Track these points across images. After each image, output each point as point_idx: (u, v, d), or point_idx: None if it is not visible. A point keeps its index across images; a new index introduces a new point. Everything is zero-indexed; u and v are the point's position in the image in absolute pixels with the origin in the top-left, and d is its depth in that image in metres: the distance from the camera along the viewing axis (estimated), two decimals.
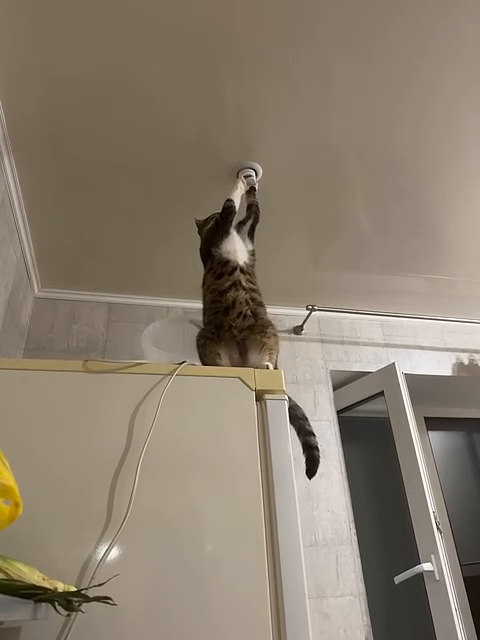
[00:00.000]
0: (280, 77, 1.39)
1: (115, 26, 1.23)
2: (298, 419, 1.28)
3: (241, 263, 1.39)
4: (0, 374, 0.94)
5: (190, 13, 1.21)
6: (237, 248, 1.43)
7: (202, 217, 1.61)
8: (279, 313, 2.44)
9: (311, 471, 1.24)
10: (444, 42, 1.32)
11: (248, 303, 1.30)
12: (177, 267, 2.11)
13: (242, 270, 1.37)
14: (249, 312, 1.28)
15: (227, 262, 1.39)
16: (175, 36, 1.26)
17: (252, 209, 1.60)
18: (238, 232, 1.50)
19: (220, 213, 1.50)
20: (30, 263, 2.02)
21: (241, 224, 1.54)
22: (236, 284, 1.33)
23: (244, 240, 1.50)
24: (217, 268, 1.39)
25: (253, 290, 1.35)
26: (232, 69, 1.36)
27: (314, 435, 1.28)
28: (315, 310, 2.36)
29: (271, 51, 1.32)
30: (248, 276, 1.38)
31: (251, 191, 1.64)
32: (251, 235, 1.55)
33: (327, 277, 2.32)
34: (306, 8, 1.22)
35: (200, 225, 1.60)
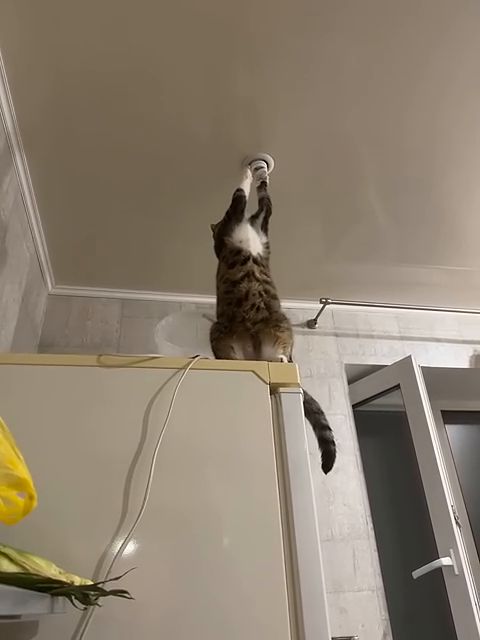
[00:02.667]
0: (292, 67, 1.37)
1: (125, 17, 1.22)
2: (314, 413, 1.27)
3: (254, 254, 1.38)
4: (15, 369, 0.95)
5: (201, 3, 1.20)
6: (250, 238, 1.42)
7: (216, 222, 1.60)
8: (292, 307, 2.42)
9: (327, 466, 1.22)
10: (459, 31, 1.30)
11: (261, 295, 1.29)
12: (190, 262, 2.11)
13: (255, 261, 1.36)
14: (262, 304, 1.27)
15: (239, 251, 1.38)
16: (185, 27, 1.25)
17: (263, 202, 1.58)
18: (252, 225, 1.48)
19: (231, 203, 1.50)
20: (43, 260, 2.03)
21: (254, 218, 1.53)
22: (249, 275, 1.31)
23: (257, 232, 1.48)
24: (229, 257, 1.38)
25: (267, 282, 1.34)
26: (243, 60, 1.34)
27: (330, 429, 1.26)
28: (329, 303, 2.34)
29: (283, 41, 1.30)
30: (262, 268, 1.36)
31: (262, 185, 1.62)
32: (265, 228, 1.53)
33: (341, 270, 2.29)
34: None
35: (214, 228, 1.59)
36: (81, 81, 1.37)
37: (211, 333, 1.28)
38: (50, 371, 0.97)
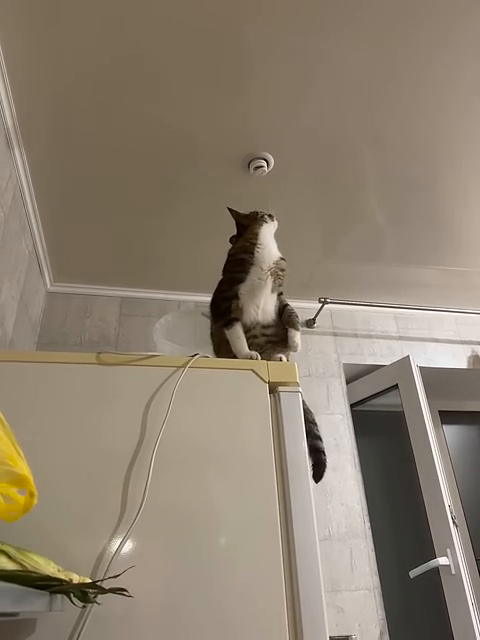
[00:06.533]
0: (292, 66, 1.36)
1: (124, 16, 1.22)
2: (307, 422, 1.25)
3: (262, 321, 1.24)
4: (14, 367, 0.94)
5: (201, 1, 1.19)
6: (267, 301, 1.26)
7: (238, 209, 1.41)
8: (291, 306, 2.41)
9: (318, 475, 1.23)
10: (463, 35, 1.30)
11: (265, 345, 1.23)
12: (189, 260, 2.10)
13: (262, 325, 1.24)
14: (268, 346, 1.23)
15: (250, 328, 1.23)
16: (185, 25, 1.25)
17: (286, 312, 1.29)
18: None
19: (218, 308, 1.28)
20: (42, 257, 2.02)
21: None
22: (251, 337, 1.22)
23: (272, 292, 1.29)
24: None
25: (269, 329, 1.24)
26: (244, 58, 1.34)
27: (321, 440, 1.28)
28: (328, 303, 2.34)
29: (285, 40, 1.30)
30: (266, 328, 1.24)
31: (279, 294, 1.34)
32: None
33: (340, 269, 2.29)
34: None
35: (238, 219, 1.39)
36: (81, 79, 1.37)
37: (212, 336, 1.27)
38: (49, 368, 0.96)
